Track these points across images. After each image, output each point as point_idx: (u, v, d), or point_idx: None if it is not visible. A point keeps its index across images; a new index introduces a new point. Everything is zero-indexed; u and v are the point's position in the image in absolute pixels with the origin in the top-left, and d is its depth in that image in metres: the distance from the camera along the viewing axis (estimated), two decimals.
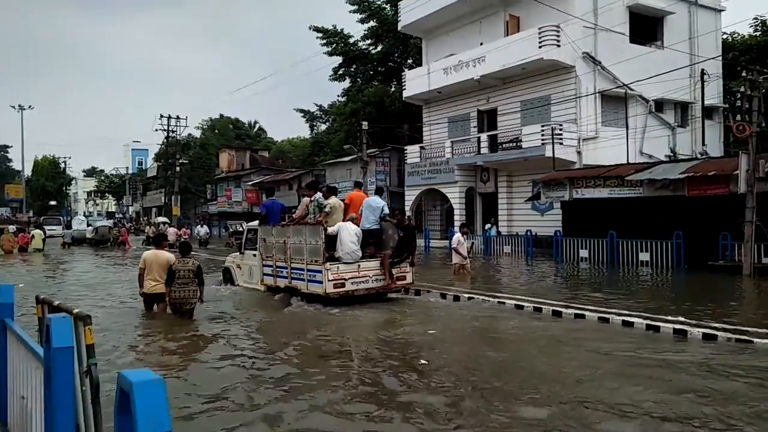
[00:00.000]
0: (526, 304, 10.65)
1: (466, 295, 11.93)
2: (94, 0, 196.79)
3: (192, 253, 10.67)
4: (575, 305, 10.30)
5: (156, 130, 54.35)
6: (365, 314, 10.17)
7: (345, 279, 10.87)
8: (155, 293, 9.81)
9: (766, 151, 15.73)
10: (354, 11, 38.69)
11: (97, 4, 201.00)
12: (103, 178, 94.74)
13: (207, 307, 10.42)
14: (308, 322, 9.71)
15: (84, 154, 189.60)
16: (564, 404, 5.32)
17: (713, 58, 25.16)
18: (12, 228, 32.72)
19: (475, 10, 27.21)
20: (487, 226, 25.01)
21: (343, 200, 12.52)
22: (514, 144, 24.50)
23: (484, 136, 26.48)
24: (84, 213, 77.58)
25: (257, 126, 72.42)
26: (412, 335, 8.54)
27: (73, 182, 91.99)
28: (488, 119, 27.74)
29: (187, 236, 32.56)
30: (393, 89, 38.40)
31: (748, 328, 8.08)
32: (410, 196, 29.79)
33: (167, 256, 9.94)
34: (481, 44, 26.42)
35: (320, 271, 10.78)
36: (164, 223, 37.65)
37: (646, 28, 25.17)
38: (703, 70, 24.18)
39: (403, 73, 32.00)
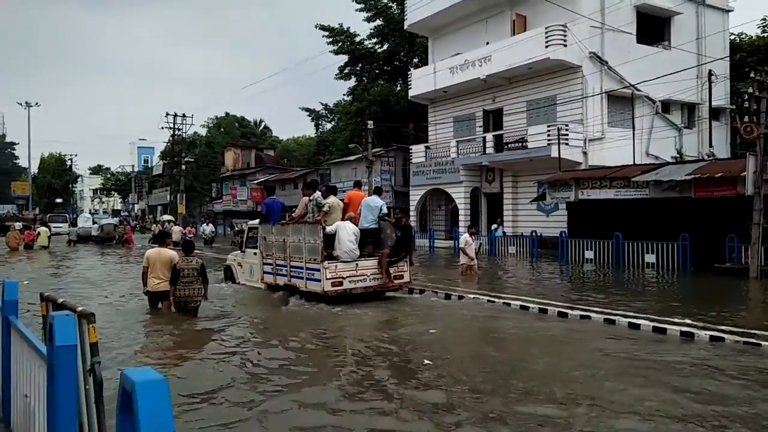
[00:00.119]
0: (531, 305, 10.60)
1: (471, 295, 11.90)
2: None
3: (196, 251, 10.69)
4: (581, 306, 10.26)
5: (162, 128, 54.63)
6: (364, 313, 10.18)
7: (343, 278, 10.98)
8: (159, 291, 9.81)
9: None
10: (360, 10, 38.68)
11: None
12: (109, 175, 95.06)
13: (211, 305, 10.46)
14: (307, 321, 9.71)
15: (90, 151, 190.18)
16: (568, 403, 5.29)
17: (721, 59, 25.04)
18: (18, 225, 32.87)
19: (482, 9, 27.14)
20: (493, 226, 24.94)
21: (342, 200, 12.59)
22: (520, 144, 24.42)
23: (489, 136, 26.40)
24: (90, 211, 77.87)
25: (263, 125, 72.54)
26: (412, 334, 8.51)
27: (79, 180, 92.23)
28: (494, 119, 27.66)
29: (192, 235, 32.58)
30: (399, 88, 38.37)
31: (756, 331, 8.02)
32: (415, 196, 29.75)
33: (170, 253, 9.95)
34: (488, 43, 26.35)
35: (319, 270, 10.87)
36: (169, 221, 37.65)
37: (653, 29, 25.05)
38: (710, 70, 24.05)
39: (408, 72, 31.96)
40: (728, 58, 26.46)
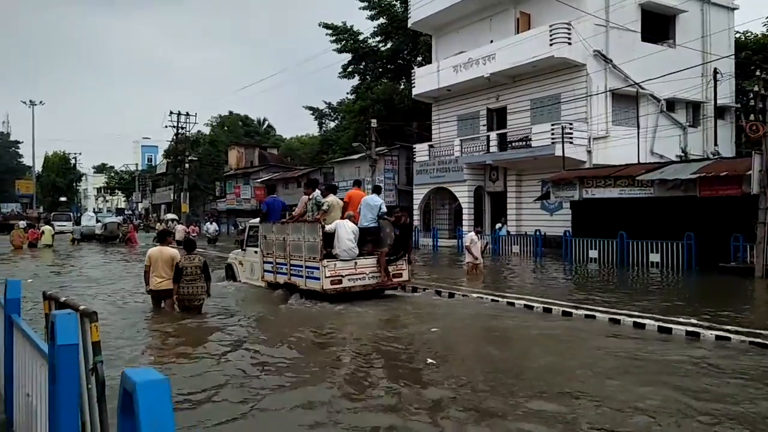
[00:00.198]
0: (536, 304, 10.57)
1: (474, 294, 11.88)
2: None
3: (199, 250, 10.71)
4: (586, 306, 10.22)
5: (166, 126, 54.74)
6: (366, 311, 10.18)
7: (342, 276, 11.00)
8: (162, 290, 9.83)
9: None
10: (364, 8, 38.64)
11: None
12: (112, 174, 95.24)
13: (213, 303, 10.51)
14: (309, 319, 9.71)
15: (94, 150, 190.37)
16: (573, 400, 5.29)
17: (726, 57, 24.94)
18: (22, 223, 32.94)
19: (486, 7, 27.07)
20: (498, 225, 24.87)
21: (342, 198, 12.63)
22: (524, 143, 24.37)
23: (493, 135, 26.36)
24: (94, 209, 77.91)
25: (266, 123, 72.56)
26: (413, 333, 8.48)
27: (83, 178, 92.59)
28: (498, 117, 27.60)
29: (195, 233, 32.55)
30: (402, 87, 38.30)
31: (762, 331, 7.97)
32: (418, 195, 29.71)
33: (171, 252, 9.97)
34: (492, 42, 26.29)
35: (318, 268, 10.91)
36: (173, 220, 37.68)
37: (658, 27, 24.95)
38: (715, 69, 23.92)
39: (412, 71, 31.87)
40: (733, 56, 26.36)
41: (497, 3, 26.57)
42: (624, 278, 15.31)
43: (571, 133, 22.48)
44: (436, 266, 19.19)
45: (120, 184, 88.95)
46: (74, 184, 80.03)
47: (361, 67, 41.62)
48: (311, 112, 53.72)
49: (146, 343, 8.27)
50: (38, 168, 76.34)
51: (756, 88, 14.97)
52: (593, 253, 18.86)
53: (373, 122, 29.89)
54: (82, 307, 2.77)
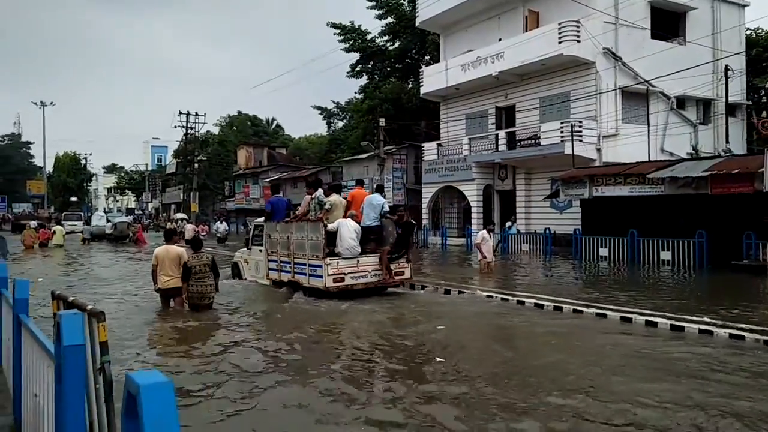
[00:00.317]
0: (546, 302, 10.50)
1: (485, 294, 11.82)
2: None
3: (209, 249, 10.74)
4: (596, 304, 10.14)
5: (175, 126, 54.95)
6: (371, 309, 10.20)
7: (344, 273, 11.16)
8: (170, 288, 9.89)
9: None
10: (371, 7, 38.59)
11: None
12: (123, 174, 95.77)
13: (219, 301, 10.58)
14: (314, 317, 9.72)
15: (104, 150, 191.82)
16: (584, 395, 5.25)
17: (737, 54, 24.69)
18: (33, 224, 33.13)
19: (494, 5, 26.95)
20: (508, 224, 24.73)
21: (345, 198, 12.73)
22: (533, 141, 24.24)
23: (502, 133, 26.24)
24: (104, 209, 78.38)
25: (275, 123, 72.72)
26: (420, 331, 8.45)
27: (94, 178, 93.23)
28: (506, 116, 27.46)
29: (205, 233, 32.65)
30: (410, 86, 38.23)
31: None
32: (427, 194, 29.64)
33: (178, 250, 10.03)
34: (500, 40, 26.16)
35: (321, 266, 11.05)
36: (182, 219, 37.83)
37: (668, 24, 24.75)
38: (726, 66, 23.68)
39: (420, 70, 31.80)
40: (744, 53, 26.09)
41: (505, 1, 26.45)
42: (635, 276, 15.20)
43: (581, 131, 22.34)
44: (445, 265, 19.14)
45: (130, 184, 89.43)
46: (85, 185, 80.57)
47: (369, 66, 41.58)
48: (319, 111, 53.76)
49: (153, 341, 8.30)
50: (49, 168, 76.96)
51: (767, 85, 14.82)
52: (603, 252, 18.73)
53: (382, 121, 29.86)
54: (89, 307, 2.76)
